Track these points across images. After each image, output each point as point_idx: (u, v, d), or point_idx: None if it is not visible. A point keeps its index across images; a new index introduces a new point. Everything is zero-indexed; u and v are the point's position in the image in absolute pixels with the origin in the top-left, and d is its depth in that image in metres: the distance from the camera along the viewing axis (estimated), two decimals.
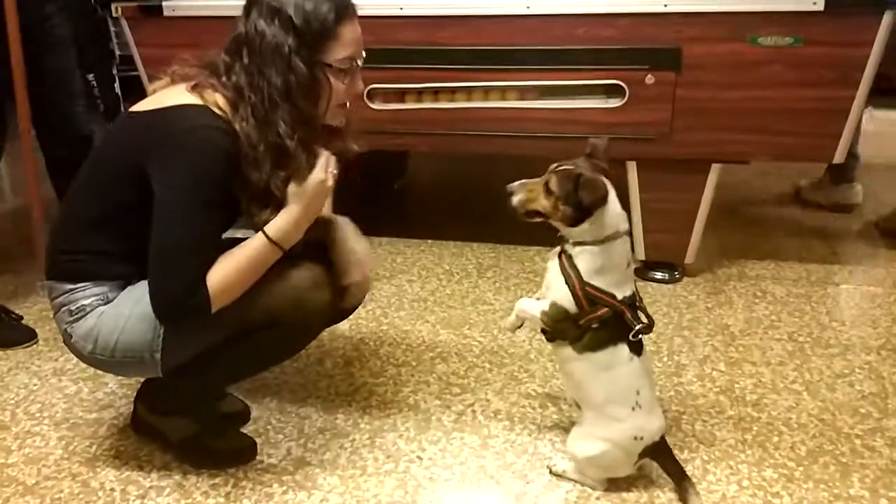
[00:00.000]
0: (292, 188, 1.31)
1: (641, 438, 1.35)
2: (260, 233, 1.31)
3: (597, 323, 1.31)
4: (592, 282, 1.31)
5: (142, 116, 1.33)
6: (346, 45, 1.31)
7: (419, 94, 2.27)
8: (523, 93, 2.20)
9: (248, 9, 1.30)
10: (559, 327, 1.35)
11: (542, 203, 1.32)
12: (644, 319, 1.34)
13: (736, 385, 1.76)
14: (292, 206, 1.32)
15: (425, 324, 2.07)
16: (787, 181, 3.15)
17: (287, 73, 1.26)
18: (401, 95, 2.28)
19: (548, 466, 1.45)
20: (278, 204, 1.31)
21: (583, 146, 2.25)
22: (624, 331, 1.32)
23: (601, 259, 1.31)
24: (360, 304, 1.62)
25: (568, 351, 1.35)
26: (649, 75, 2.05)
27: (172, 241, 1.25)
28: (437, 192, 3.33)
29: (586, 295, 1.31)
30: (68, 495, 1.44)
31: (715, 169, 2.16)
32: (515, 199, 1.34)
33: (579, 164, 1.31)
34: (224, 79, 1.30)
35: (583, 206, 1.27)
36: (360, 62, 1.36)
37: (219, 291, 1.26)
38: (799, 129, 2.05)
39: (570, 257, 1.33)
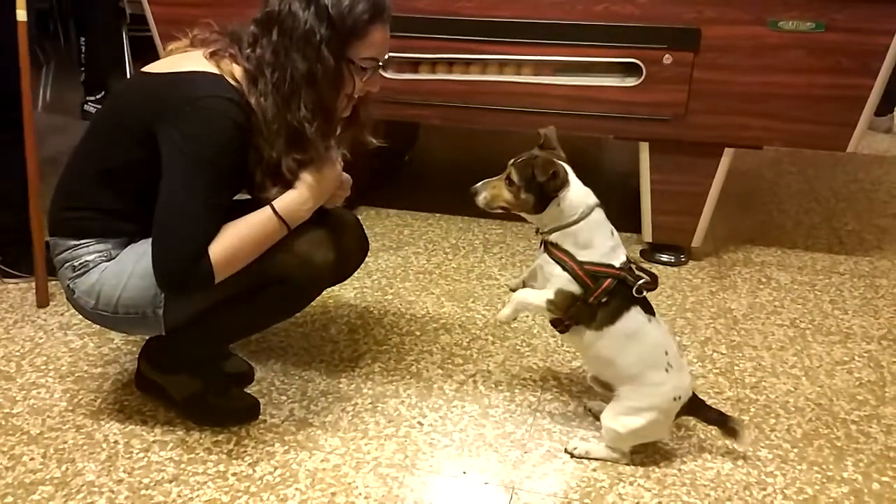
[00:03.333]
0: (310, 172, 1.33)
1: (680, 398, 1.38)
2: (268, 207, 1.31)
3: (604, 296, 1.33)
4: (587, 258, 1.33)
5: (155, 78, 1.33)
6: (372, 46, 1.31)
7: (433, 65, 2.25)
8: (539, 68, 2.18)
9: None
10: (571, 312, 1.36)
11: (506, 196, 1.37)
12: (646, 277, 1.36)
13: (736, 367, 1.77)
14: (306, 188, 1.33)
15: (430, 295, 2.07)
16: (797, 168, 3.14)
17: (315, 61, 1.26)
18: (414, 66, 2.26)
19: (567, 451, 1.46)
20: (287, 183, 1.33)
21: (597, 124, 2.25)
22: (631, 296, 1.34)
23: (585, 235, 1.34)
24: (357, 267, 1.63)
25: (587, 334, 1.37)
26: (667, 55, 2.03)
27: (177, 209, 1.26)
28: (447, 166, 3.32)
29: (587, 273, 1.33)
30: (72, 446, 1.46)
31: (728, 153, 2.15)
32: (480, 198, 1.38)
33: (535, 153, 1.36)
34: (248, 50, 1.30)
35: (543, 189, 1.31)
36: (381, 64, 1.36)
37: (222, 263, 1.26)
38: (814, 116, 2.03)
39: (555, 245, 1.36)
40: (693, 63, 2.03)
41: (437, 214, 2.60)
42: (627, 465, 1.42)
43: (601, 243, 1.35)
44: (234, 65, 1.30)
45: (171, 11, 2.26)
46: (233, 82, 1.28)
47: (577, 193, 1.34)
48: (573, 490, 1.37)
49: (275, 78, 1.27)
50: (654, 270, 2.22)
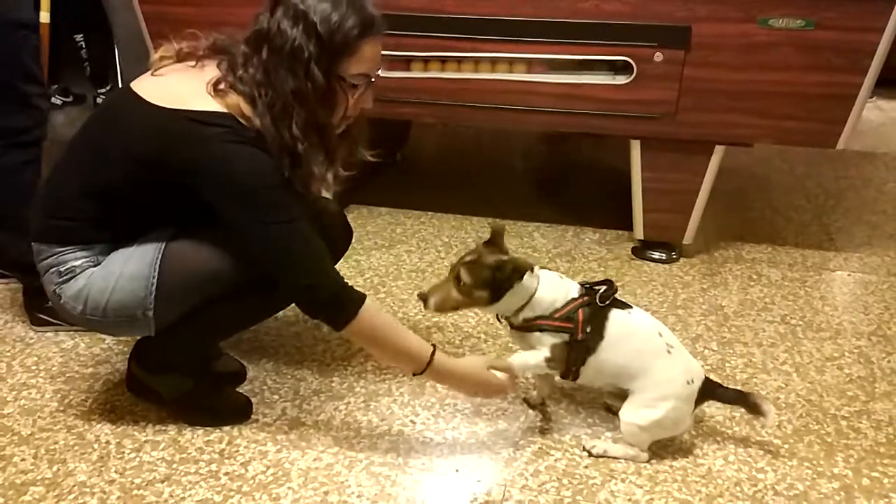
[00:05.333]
0: (484, 364, 1.40)
1: (693, 381, 1.40)
2: (430, 346, 1.35)
3: (587, 325, 1.39)
4: (554, 309, 1.39)
5: (159, 112, 1.27)
6: (363, 62, 1.30)
7: (425, 63, 2.25)
8: (531, 65, 2.19)
9: (273, 5, 1.27)
10: (573, 357, 1.40)
11: (456, 297, 1.39)
12: (603, 286, 1.42)
13: (727, 364, 1.78)
14: (473, 383, 1.40)
15: None
16: (787, 165, 3.16)
17: (304, 79, 1.26)
18: (406, 63, 2.26)
19: (586, 450, 1.46)
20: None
21: (588, 122, 2.25)
22: (604, 305, 1.41)
23: (546, 301, 1.40)
24: (342, 254, 1.64)
25: (590, 361, 1.41)
26: (658, 53, 2.04)
27: (283, 248, 1.28)
28: (439, 164, 3.32)
29: (562, 318, 1.39)
30: (63, 446, 1.45)
31: (718, 151, 2.16)
32: (432, 304, 1.40)
33: (483, 252, 1.40)
34: (241, 71, 1.28)
35: (500, 286, 1.36)
36: (373, 80, 1.35)
37: (359, 329, 1.30)
38: (804, 113, 2.05)
39: (520, 322, 1.41)
40: (684, 61, 2.04)
41: (430, 212, 2.60)
42: (648, 462, 1.43)
43: (556, 293, 1.40)
44: (238, 96, 1.28)
45: (161, 10, 2.25)
46: (240, 118, 1.27)
47: (526, 279, 1.38)
48: (565, 487, 1.38)
49: (268, 96, 1.26)
50: (645, 268, 2.25)
